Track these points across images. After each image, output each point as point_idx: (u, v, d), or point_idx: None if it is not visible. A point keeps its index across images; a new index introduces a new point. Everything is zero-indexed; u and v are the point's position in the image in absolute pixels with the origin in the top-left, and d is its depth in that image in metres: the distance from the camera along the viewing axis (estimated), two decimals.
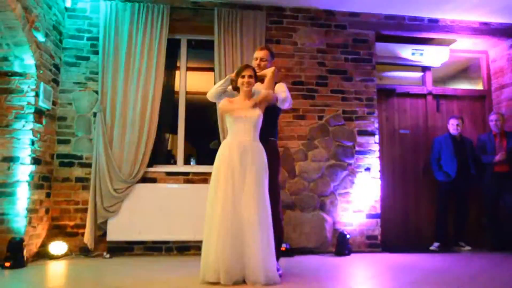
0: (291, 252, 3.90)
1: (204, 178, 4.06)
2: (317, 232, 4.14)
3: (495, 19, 4.62)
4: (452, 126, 4.49)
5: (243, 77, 2.75)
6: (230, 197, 2.53)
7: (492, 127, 4.48)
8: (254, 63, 2.97)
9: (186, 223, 3.84)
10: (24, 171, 3.41)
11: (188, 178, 4.06)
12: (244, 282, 2.51)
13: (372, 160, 4.39)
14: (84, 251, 3.79)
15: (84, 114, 4.03)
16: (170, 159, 4.65)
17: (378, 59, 4.61)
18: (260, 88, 2.86)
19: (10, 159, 3.40)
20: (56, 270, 3.24)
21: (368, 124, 4.44)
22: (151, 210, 3.85)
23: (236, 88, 2.83)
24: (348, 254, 3.98)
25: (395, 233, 4.55)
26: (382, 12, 4.53)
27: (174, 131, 4.33)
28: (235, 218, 2.50)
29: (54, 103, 3.89)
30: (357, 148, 4.38)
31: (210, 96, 2.95)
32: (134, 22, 4.06)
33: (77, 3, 4.12)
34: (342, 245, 4.00)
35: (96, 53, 4.07)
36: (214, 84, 3.20)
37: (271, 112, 2.86)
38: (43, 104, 3.62)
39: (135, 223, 3.80)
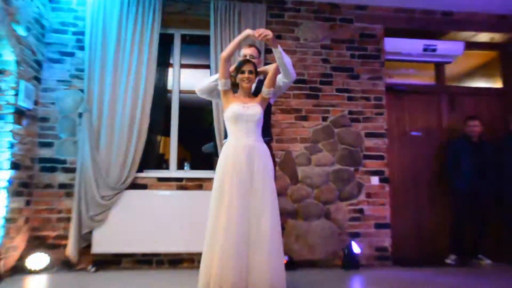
0: (293, 265, 3.83)
1: (199, 184, 4.04)
2: (321, 243, 4.11)
3: None
4: (470, 127, 4.41)
5: (242, 72, 2.70)
6: (236, 206, 2.46)
7: None
8: (247, 51, 2.92)
9: (179, 233, 3.80)
10: (1, 176, 3.35)
11: (181, 185, 4.03)
12: None
13: (381, 165, 4.36)
14: (67, 265, 3.73)
15: (69, 114, 3.98)
16: (162, 163, 4.58)
17: (387, 55, 4.58)
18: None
19: None
20: (36, 285, 3.17)
21: (376, 126, 4.41)
22: (141, 219, 3.81)
23: (234, 85, 2.77)
24: (356, 268, 3.92)
25: (407, 245, 4.47)
26: (391, 5, 4.51)
27: (167, 134, 4.30)
28: (242, 230, 2.44)
29: (35, 103, 3.85)
30: (364, 152, 4.35)
31: (200, 91, 2.90)
32: (124, 15, 4.03)
33: None
34: (349, 258, 3.95)
35: (82, 48, 4.03)
36: None
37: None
38: (24, 103, 3.57)
39: (123, 234, 3.76)
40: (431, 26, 4.60)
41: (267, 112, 2.87)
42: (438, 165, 4.64)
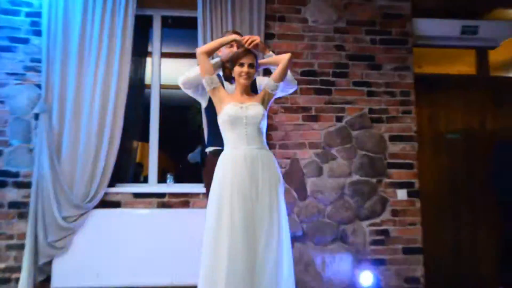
0: None
1: (184, 201, 4.00)
2: (337, 273, 4.08)
3: None
4: None
5: (241, 65, 2.66)
6: (239, 227, 2.47)
7: None
8: (226, 51, 2.88)
9: (162, 262, 3.80)
10: None
11: (163, 201, 4.01)
12: None
13: (410, 175, 4.30)
14: None
15: (22, 116, 3.92)
16: (139, 175, 4.69)
17: (416, 40, 4.52)
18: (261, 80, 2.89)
19: None
20: None
21: (403, 127, 4.35)
22: (113, 245, 3.79)
23: (229, 78, 2.78)
24: None
25: (444, 274, 4.39)
26: None
27: (145, 138, 4.30)
28: (247, 256, 2.45)
29: None
30: (389, 160, 4.29)
31: (185, 82, 2.84)
32: None
33: None
34: None
35: (39, 33, 3.95)
36: None
37: None
38: None
39: (91, 263, 3.73)
40: (472, 3, 4.56)
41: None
42: (482, 174, 4.56)
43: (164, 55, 4.31)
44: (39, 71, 3.88)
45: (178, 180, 4.45)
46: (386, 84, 4.35)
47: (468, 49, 4.78)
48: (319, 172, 4.18)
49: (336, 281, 4.02)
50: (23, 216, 3.75)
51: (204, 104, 2.96)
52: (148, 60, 4.28)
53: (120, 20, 3.96)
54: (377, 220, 4.17)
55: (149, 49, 4.29)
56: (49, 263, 3.65)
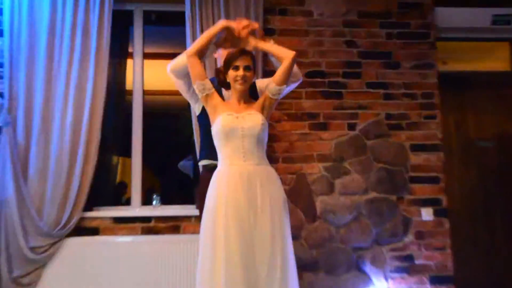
0: None
1: (174, 226, 3.98)
2: None
3: None
4: None
5: (235, 68, 2.64)
6: (236, 259, 2.46)
7: None
8: (224, 53, 2.84)
9: None
10: None
11: (149, 227, 3.99)
12: None
13: (436, 191, 4.27)
14: None
15: None
16: (120, 196, 4.70)
17: (440, 32, 4.51)
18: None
19: None
20: None
21: (426, 135, 4.34)
22: (90, 279, 3.75)
23: (224, 84, 2.74)
24: None
25: None
26: None
27: (127, 153, 4.28)
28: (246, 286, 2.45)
29: None
30: (411, 173, 4.27)
31: (173, 67, 2.85)
32: None
33: None
34: None
35: (0, 33, 3.95)
36: None
37: None
38: None
39: None
40: None
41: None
42: None
43: (147, 56, 4.29)
44: (0, 77, 3.86)
45: (166, 201, 4.42)
46: (406, 84, 4.34)
47: (500, 42, 4.76)
48: (330, 189, 4.16)
49: None
50: None
51: (197, 110, 2.97)
52: (129, 62, 4.26)
53: (95, 17, 3.94)
54: (399, 244, 4.14)
55: (130, 49, 4.27)
56: None
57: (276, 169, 2.87)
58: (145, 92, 4.23)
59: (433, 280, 4.10)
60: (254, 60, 2.72)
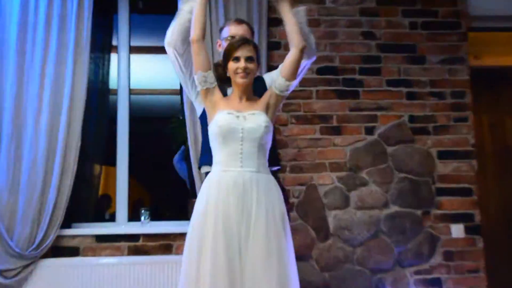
0: None
1: (165, 245, 3.97)
2: None
3: None
4: None
5: (236, 59, 2.62)
6: (223, 273, 2.42)
7: None
8: (220, 48, 2.95)
9: None
10: None
11: (136, 246, 3.96)
12: None
13: (468, 205, 4.24)
14: None
15: None
16: (103, 211, 4.77)
17: (472, 21, 4.48)
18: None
19: None
20: None
21: (457, 140, 4.32)
22: None
23: (224, 80, 2.72)
24: None
25: None
26: None
27: (111, 161, 4.27)
28: None
29: None
30: (438, 184, 4.24)
31: (172, 37, 2.88)
32: None
33: None
34: None
35: None
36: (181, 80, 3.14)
37: None
38: None
39: None
40: None
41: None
42: None
43: (133, 50, 4.29)
44: None
45: (156, 216, 4.41)
46: (432, 82, 4.34)
47: None
48: (345, 203, 4.15)
49: None
50: None
51: (198, 107, 2.98)
52: (113, 57, 4.26)
53: (74, 4, 3.93)
54: (425, 266, 4.11)
55: (114, 42, 4.26)
56: None
57: (283, 180, 2.86)
58: (131, 92, 4.20)
59: None
60: (258, 51, 2.69)
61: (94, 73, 4.13)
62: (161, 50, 4.49)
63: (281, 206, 2.59)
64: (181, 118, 3.96)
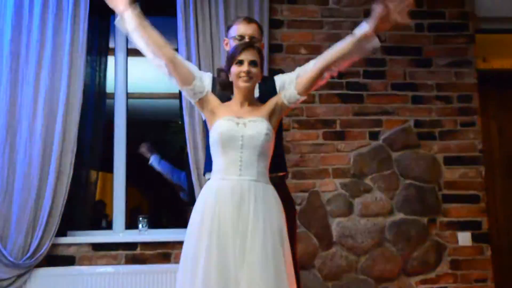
0: None
1: (164, 253, 3.96)
2: None
3: None
4: None
5: (239, 63, 2.61)
6: (217, 284, 2.41)
7: None
8: (227, 47, 2.95)
9: None
10: None
11: (134, 254, 3.96)
12: None
13: (475, 212, 4.24)
14: None
15: None
16: (100, 219, 4.75)
17: (480, 23, 4.49)
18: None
19: None
20: None
21: (464, 145, 4.32)
22: None
23: (226, 86, 2.72)
24: None
25: None
26: None
27: (107, 167, 4.29)
28: None
29: None
30: (445, 191, 4.24)
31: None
32: None
33: None
34: None
35: None
36: None
37: None
38: None
39: None
40: None
41: (278, 132, 2.84)
42: None
43: (131, 52, 4.25)
44: None
45: (154, 224, 4.43)
46: (439, 86, 4.34)
47: None
48: (349, 210, 4.14)
49: None
50: None
51: (203, 114, 2.93)
52: (110, 59, 4.27)
53: (69, 5, 3.91)
54: (431, 275, 4.11)
55: (111, 44, 4.27)
56: None
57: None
58: (129, 96, 4.22)
59: None
60: (262, 56, 2.69)
61: (91, 76, 4.14)
62: None
63: (279, 216, 2.57)
64: (180, 123, 3.93)
